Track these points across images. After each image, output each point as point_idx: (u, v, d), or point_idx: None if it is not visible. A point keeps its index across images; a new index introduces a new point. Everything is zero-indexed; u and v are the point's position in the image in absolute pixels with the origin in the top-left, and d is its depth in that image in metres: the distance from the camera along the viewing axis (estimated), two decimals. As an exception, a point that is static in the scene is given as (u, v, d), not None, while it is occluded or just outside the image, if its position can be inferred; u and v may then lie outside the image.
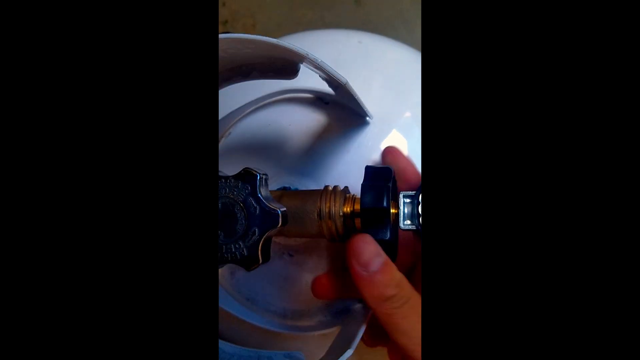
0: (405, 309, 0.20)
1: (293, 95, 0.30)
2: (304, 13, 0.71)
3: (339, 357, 0.21)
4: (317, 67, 0.19)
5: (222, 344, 0.24)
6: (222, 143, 0.31)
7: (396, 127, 0.31)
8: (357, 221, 0.22)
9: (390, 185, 0.22)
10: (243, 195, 0.19)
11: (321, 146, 0.30)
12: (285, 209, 0.20)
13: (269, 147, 0.30)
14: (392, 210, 0.22)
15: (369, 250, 0.20)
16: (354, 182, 0.25)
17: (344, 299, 0.29)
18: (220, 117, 0.31)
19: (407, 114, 0.32)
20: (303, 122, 0.30)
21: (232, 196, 0.20)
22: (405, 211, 0.22)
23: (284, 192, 0.24)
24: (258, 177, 0.20)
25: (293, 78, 0.22)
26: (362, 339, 0.25)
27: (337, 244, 0.24)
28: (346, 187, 0.25)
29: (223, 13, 0.78)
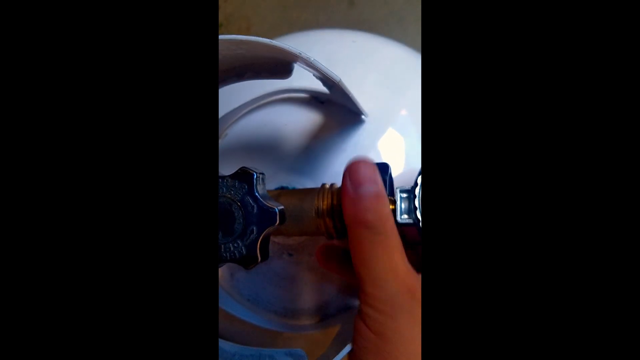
0: (379, 240, 0.19)
1: (288, 95, 0.30)
2: (298, 14, 0.72)
3: (338, 355, 0.21)
4: (311, 65, 0.20)
5: (224, 344, 0.24)
6: (219, 144, 0.31)
7: (392, 125, 0.31)
8: (355, 218, 0.22)
9: (387, 178, 0.22)
10: (240, 194, 0.20)
11: (317, 145, 0.30)
12: (282, 207, 0.20)
13: (266, 147, 0.30)
14: (390, 207, 0.22)
15: (365, 172, 0.19)
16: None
17: (343, 294, 0.29)
18: (216, 119, 0.32)
19: (403, 112, 0.32)
20: (299, 121, 0.30)
21: (229, 195, 0.20)
22: (403, 206, 0.23)
23: (282, 191, 0.24)
24: (255, 176, 0.20)
25: (287, 78, 0.22)
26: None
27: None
28: (343, 185, 0.25)
29: (218, 16, 0.78)
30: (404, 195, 0.23)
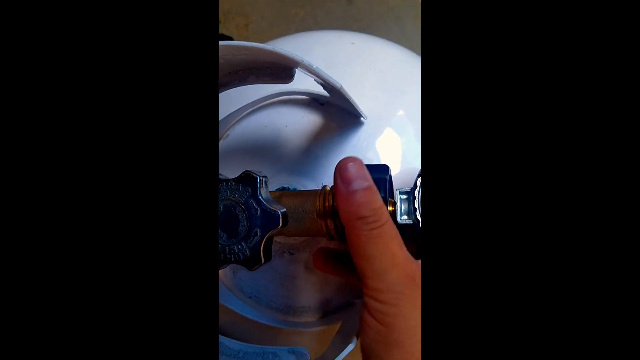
0: (376, 233, 0.19)
1: (289, 97, 0.31)
2: (296, 12, 0.72)
3: (340, 352, 0.22)
4: (312, 72, 0.20)
5: (227, 341, 0.25)
6: (220, 145, 0.31)
7: (390, 126, 0.32)
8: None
9: (387, 178, 0.23)
10: (244, 197, 0.20)
11: (318, 146, 0.30)
12: (285, 209, 0.21)
13: (267, 149, 0.31)
14: (389, 208, 0.23)
15: (355, 170, 0.20)
16: (351, 180, 0.26)
17: (343, 293, 0.29)
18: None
19: (401, 112, 0.32)
20: (299, 123, 0.30)
21: (233, 198, 0.20)
22: (402, 207, 0.23)
23: (283, 193, 0.25)
24: (258, 180, 0.20)
25: (289, 82, 0.22)
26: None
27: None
28: (343, 186, 0.25)
29: (215, 13, 0.78)
30: (404, 196, 0.23)
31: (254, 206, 0.20)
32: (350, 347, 0.22)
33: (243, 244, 0.20)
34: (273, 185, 0.30)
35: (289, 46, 0.34)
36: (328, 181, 0.31)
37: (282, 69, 0.22)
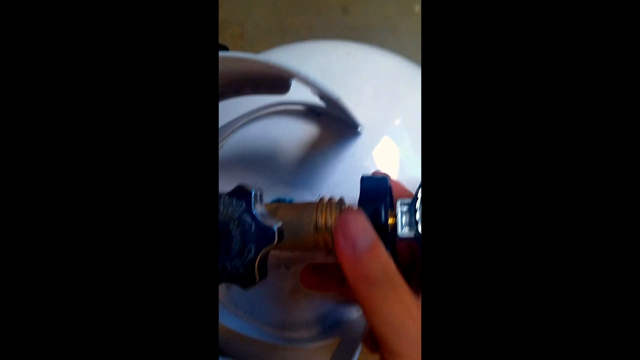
0: (388, 295, 0.19)
1: (285, 107, 0.30)
2: (292, 21, 0.72)
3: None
4: (309, 83, 0.20)
5: (221, 359, 0.24)
6: (215, 157, 0.31)
7: (387, 134, 0.31)
8: (354, 232, 0.22)
9: (387, 200, 0.22)
10: (238, 212, 0.19)
11: (314, 157, 0.30)
12: (281, 224, 0.20)
13: (263, 159, 0.30)
14: (390, 221, 0.22)
15: (358, 225, 0.19)
16: (349, 190, 0.25)
17: (338, 305, 0.29)
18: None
19: (397, 122, 0.32)
20: (295, 133, 0.30)
21: (226, 214, 0.19)
22: (403, 220, 0.22)
23: (280, 205, 0.24)
24: (252, 193, 0.19)
25: (285, 93, 0.22)
26: (364, 344, 0.24)
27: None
28: (342, 198, 0.25)
29: (211, 23, 0.78)
30: (405, 208, 0.22)
31: (247, 221, 0.19)
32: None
33: (237, 261, 0.19)
34: (269, 197, 0.29)
35: (284, 56, 0.34)
36: (325, 191, 0.30)
37: (278, 80, 0.21)
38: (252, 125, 0.30)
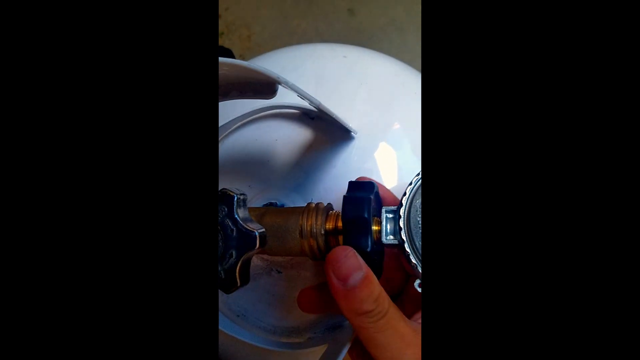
0: (382, 323, 0.19)
1: (279, 110, 0.30)
2: (298, 23, 0.72)
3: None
4: (291, 89, 0.19)
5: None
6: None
7: (385, 140, 0.31)
8: (340, 238, 0.22)
9: (372, 197, 0.22)
10: (220, 216, 0.19)
11: (308, 161, 0.29)
12: (263, 229, 0.20)
13: (256, 163, 0.30)
14: (375, 227, 0.22)
15: (348, 264, 0.20)
16: (341, 196, 0.25)
17: (333, 314, 0.28)
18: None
19: (396, 126, 0.32)
20: (289, 137, 0.30)
21: (209, 218, 0.19)
22: (388, 227, 0.22)
23: (268, 209, 0.24)
24: (235, 198, 0.19)
25: (271, 97, 0.22)
26: (350, 355, 0.24)
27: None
28: (329, 204, 0.25)
29: (219, 25, 0.79)
30: (390, 215, 0.22)
31: (229, 226, 0.19)
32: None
33: (218, 266, 0.19)
34: (261, 201, 0.29)
35: (281, 59, 0.34)
36: (317, 196, 0.30)
37: (264, 85, 0.21)
38: (245, 129, 0.31)
